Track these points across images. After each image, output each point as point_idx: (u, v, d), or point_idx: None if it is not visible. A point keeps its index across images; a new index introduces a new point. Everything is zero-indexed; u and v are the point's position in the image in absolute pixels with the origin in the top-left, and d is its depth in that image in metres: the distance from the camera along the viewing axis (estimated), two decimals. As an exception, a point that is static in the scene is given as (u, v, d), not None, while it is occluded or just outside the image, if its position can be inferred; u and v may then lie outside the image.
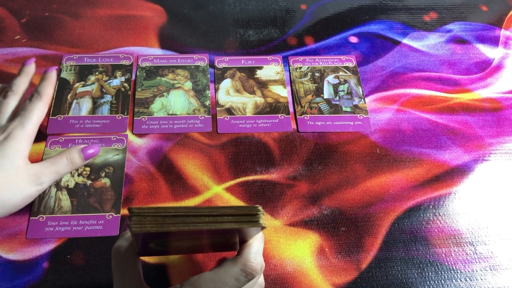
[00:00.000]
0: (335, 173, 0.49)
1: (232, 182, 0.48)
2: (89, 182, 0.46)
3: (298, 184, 0.48)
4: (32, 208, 0.44)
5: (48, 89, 0.44)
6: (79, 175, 0.47)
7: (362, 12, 0.64)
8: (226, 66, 0.57)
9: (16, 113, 0.43)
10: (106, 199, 0.45)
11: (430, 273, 0.44)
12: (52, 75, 0.46)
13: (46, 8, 0.61)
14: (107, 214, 0.44)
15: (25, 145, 0.40)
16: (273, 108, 0.54)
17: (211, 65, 0.57)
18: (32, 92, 0.44)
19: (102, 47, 0.57)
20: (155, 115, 0.52)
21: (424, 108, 0.55)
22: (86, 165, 0.47)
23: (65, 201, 0.45)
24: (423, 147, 0.52)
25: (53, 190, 0.45)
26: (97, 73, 0.55)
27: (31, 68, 0.47)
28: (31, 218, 0.44)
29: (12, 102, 0.43)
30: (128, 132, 0.50)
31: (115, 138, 0.49)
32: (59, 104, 0.52)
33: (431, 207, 0.48)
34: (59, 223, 0.44)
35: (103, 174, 0.47)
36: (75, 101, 0.52)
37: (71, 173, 0.47)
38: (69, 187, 0.46)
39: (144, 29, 0.60)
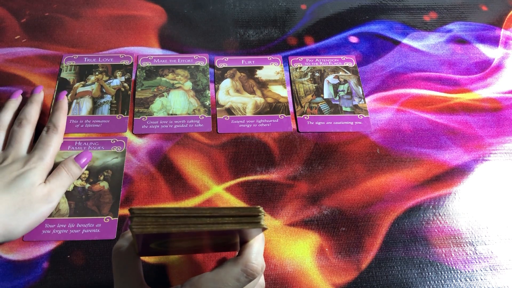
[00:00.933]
0: (335, 173, 0.49)
1: (232, 182, 0.48)
2: (87, 185, 0.46)
3: (298, 184, 0.48)
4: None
5: (62, 120, 0.48)
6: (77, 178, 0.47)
7: (362, 12, 0.64)
8: (226, 66, 0.57)
9: (32, 142, 0.46)
10: (104, 203, 0.45)
11: (430, 273, 0.44)
12: (64, 104, 0.49)
13: (46, 8, 0.61)
14: (105, 217, 0.44)
15: (44, 175, 0.43)
16: (273, 108, 0.54)
17: (211, 65, 0.57)
18: (47, 123, 0.47)
19: (102, 47, 0.57)
20: (155, 115, 0.52)
21: (424, 108, 0.55)
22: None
23: (63, 203, 0.45)
24: (423, 147, 0.52)
25: None
26: (97, 73, 0.55)
27: (40, 96, 0.50)
28: None
29: (27, 131, 0.46)
30: (128, 132, 0.50)
31: (114, 141, 0.49)
32: (59, 104, 0.52)
33: (431, 207, 0.48)
34: (56, 226, 0.44)
35: (101, 178, 0.47)
36: (75, 101, 0.52)
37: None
38: (68, 190, 0.46)
39: (144, 29, 0.60)
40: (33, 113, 0.48)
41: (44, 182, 0.43)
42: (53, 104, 0.50)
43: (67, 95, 0.51)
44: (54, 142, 0.45)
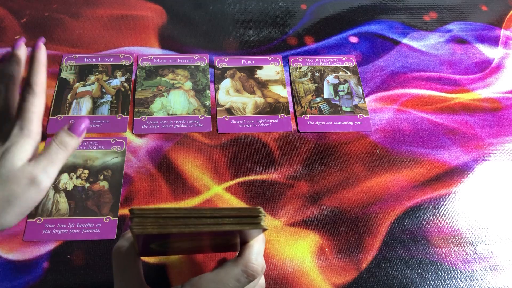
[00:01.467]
0: (335, 173, 0.49)
1: (232, 182, 0.48)
2: (87, 185, 0.46)
3: (298, 184, 0.48)
4: (30, 210, 0.44)
5: (39, 76, 0.38)
6: (77, 177, 0.47)
7: (362, 12, 0.64)
8: (226, 66, 0.57)
9: (13, 108, 0.38)
10: (104, 202, 0.45)
11: (430, 273, 0.44)
12: (40, 55, 0.39)
13: (46, 8, 0.61)
14: (105, 217, 0.44)
15: (29, 149, 0.36)
16: (273, 108, 0.54)
17: (211, 65, 0.57)
18: (23, 85, 0.38)
19: (102, 47, 0.57)
20: (155, 115, 0.52)
21: (424, 108, 0.55)
22: (84, 168, 0.47)
23: (63, 203, 0.45)
24: (423, 147, 0.52)
25: (51, 192, 0.45)
26: (97, 73, 0.55)
27: (19, 52, 0.40)
28: (28, 220, 0.44)
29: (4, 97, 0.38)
30: (128, 132, 0.50)
31: (114, 141, 0.49)
32: (59, 104, 0.52)
33: (431, 207, 0.48)
34: (56, 226, 0.44)
35: (101, 177, 0.47)
36: (75, 101, 0.52)
37: (69, 175, 0.47)
38: (67, 189, 0.46)
39: (144, 29, 0.60)
40: (11, 73, 0.39)
41: (30, 160, 0.35)
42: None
43: (69, 95, 0.51)
44: (32, 105, 0.36)
